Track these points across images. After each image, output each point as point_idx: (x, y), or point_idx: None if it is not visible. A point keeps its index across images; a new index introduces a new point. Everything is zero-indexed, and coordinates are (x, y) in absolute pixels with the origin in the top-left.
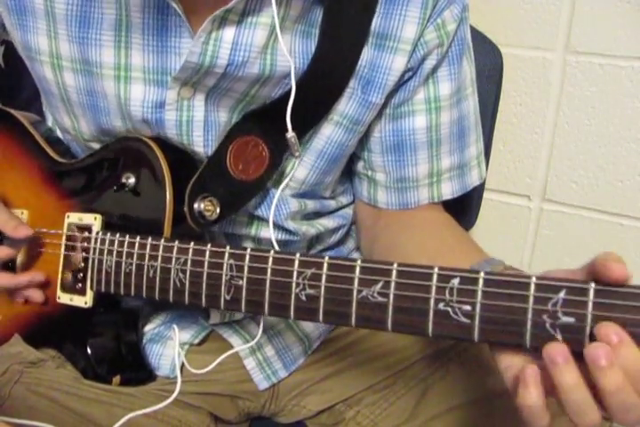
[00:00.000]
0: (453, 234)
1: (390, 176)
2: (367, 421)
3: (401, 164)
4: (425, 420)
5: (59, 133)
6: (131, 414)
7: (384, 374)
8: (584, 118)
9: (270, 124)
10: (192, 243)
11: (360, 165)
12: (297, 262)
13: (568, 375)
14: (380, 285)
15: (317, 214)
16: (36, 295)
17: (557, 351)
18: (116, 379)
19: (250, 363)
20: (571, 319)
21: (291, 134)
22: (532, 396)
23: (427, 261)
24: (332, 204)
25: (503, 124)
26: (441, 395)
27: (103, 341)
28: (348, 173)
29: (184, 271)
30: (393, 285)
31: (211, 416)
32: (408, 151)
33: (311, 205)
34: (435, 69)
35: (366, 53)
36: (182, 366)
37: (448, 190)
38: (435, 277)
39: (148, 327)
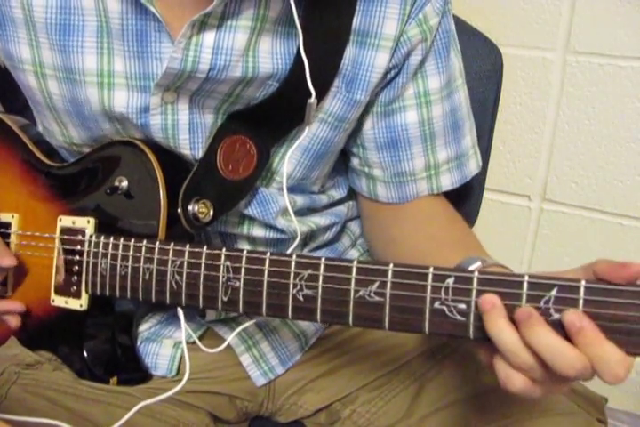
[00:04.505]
0: (445, 227)
1: (387, 172)
2: (363, 420)
3: (396, 159)
4: (420, 417)
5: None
6: (142, 403)
7: (379, 373)
8: (584, 118)
9: (256, 122)
10: (188, 245)
11: (356, 162)
12: (294, 264)
13: (500, 321)
14: (376, 285)
15: (310, 210)
16: (13, 322)
17: (487, 301)
18: (113, 380)
19: (246, 360)
20: None
21: (312, 100)
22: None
23: (417, 258)
24: (324, 199)
25: (503, 124)
26: (436, 392)
27: (99, 343)
28: (338, 168)
29: (180, 273)
30: (389, 284)
31: (210, 416)
32: (402, 147)
33: (300, 200)
34: (421, 64)
35: (349, 51)
36: (180, 363)
37: (447, 182)
38: (430, 276)
39: (145, 327)
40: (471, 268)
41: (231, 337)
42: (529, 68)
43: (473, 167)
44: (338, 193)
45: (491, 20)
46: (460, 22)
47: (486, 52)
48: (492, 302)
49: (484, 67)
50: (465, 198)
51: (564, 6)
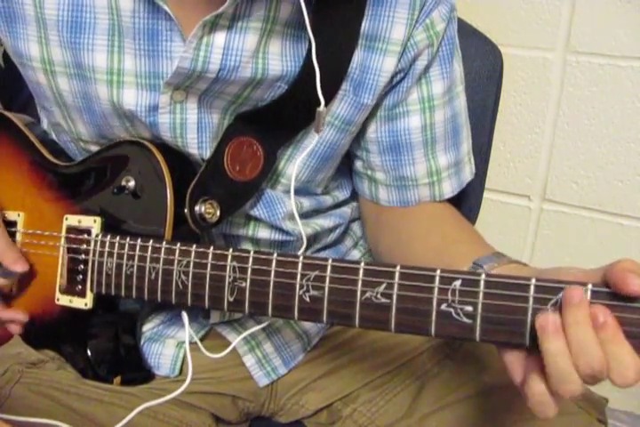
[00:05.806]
0: (455, 226)
1: (389, 175)
2: (364, 418)
3: (398, 163)
4: (421, 416)
5: (54, 136)
6: (145, 404)
7: (381, 372)
8: (584, 118)
9: (263, 124)
10: (194, 245)
11: (359, 165)
12: (300, 265)
13: (555, 343)
14: (383, 286)
15: (315, 212)
16: (16, 329)
17: (549, 321)
18: (117, 380)
19: (249, 360)
20: None
21: (322, 108)
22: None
23: (432, 256)
24: (328, 199)
25: (503, 124)
26: (437, 391)
27: (103, 342)
28: (341, 169)
29: (186, 273)
30: (396, 286)
31: (212, 417)
32: (405, 151)
33: (307, 202)
34: (426, 69)
35: (357, 55)
36: (182, 363)
37: (448, 189)
38: (437, 278)
39: (148, 326)
40: (487, 266)
41: (237, 341)
42: (529, 68)
43: (468, 174)
44: (342, 194)
45: (491, 20)
46: (460, 22)
47: (486, 52)
48: (554, 325)
49: (484, 67)
50: (465, 198)
51: (564, 6)
